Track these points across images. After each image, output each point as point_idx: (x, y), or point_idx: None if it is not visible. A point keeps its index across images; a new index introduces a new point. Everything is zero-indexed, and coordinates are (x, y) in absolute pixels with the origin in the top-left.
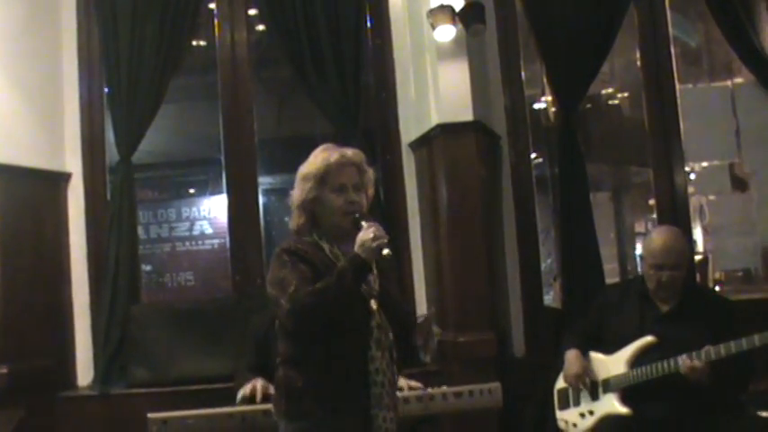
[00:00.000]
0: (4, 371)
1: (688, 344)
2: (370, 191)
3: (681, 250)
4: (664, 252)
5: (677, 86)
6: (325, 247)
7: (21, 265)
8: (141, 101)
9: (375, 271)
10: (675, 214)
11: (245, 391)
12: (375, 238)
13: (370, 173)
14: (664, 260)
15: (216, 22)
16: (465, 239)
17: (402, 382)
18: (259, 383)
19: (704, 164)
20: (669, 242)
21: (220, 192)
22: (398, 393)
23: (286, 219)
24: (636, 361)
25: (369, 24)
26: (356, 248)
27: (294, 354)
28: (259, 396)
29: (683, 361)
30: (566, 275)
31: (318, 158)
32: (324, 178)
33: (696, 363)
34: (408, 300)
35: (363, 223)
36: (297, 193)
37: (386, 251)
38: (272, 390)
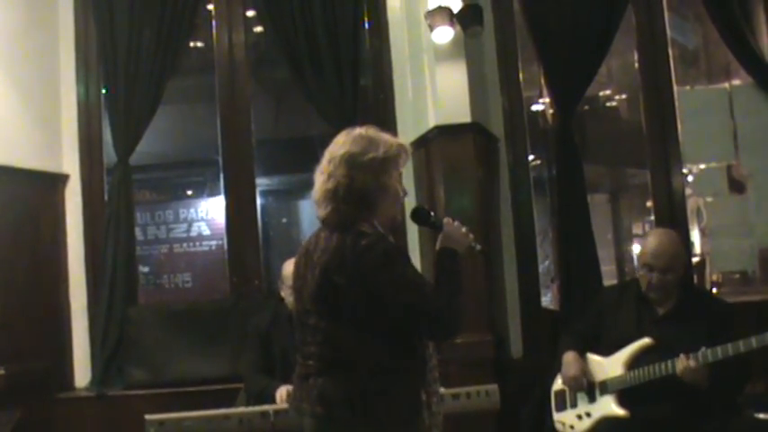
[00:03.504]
0: (2, 372)
1: (685, 346)
2: None
3: (673, 254)
4: (654, 254)
5: (675, 88)
6: (391, 239)
7: (18, 266)
8: (139, 102)
9: None
10: (673, 216)
11: (281, 397)
12: (467, 234)
13: None
14: (654, 262)
15: (213, 23)
16: None
17: None
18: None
19: (702, 166)
20: (661, 245)
21: (218, 193)
22: None
23: (284, 220)
24: (633, 363)
25: (367, 26)
26: (449, 243)
27: (389, 363)
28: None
29: (680, 360)
30: (563, 277)
31: (390, 142)
32: (393, 164)
33: (691, 363)
34: None
35: (446, 218)
36: (363, 179)
37: (479, 247)
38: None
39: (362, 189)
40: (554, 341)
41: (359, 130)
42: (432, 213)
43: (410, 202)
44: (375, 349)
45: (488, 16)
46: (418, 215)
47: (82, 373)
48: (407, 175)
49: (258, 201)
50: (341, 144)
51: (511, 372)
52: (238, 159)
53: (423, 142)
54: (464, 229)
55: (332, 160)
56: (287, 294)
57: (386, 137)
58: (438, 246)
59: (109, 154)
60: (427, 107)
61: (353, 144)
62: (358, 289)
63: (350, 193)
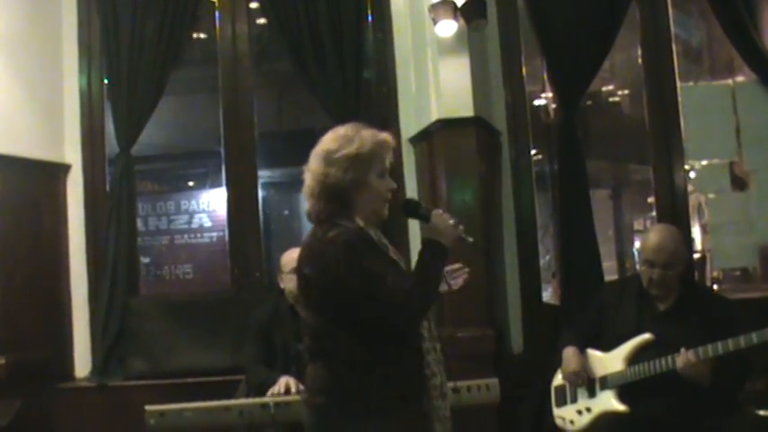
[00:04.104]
0: (2, 361)
1: (686, 342)
2: None
3: (673, 250)
4: (655, 250)
5: (678, 84)
6: (373, 235)
7: (19, 256)
8: (141, 93)
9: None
10: (675, 212)
11: (279, 389)
12: (456, 225)
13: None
14: (654, 258)
15: (217, 14)
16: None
17: None
18: (291, 380)
19: (704, 162)
20: (662, 241)
21: (220, 185)
22: None
23: (286, 212)
24: (633, 358)
25: (370, 18)
26: (432, 235)
27: (364, 354)
28: (294, 390)
29: (680, 356)
30: (564, 272)
31: (366, 138)
32: (371, 160)
33: (692, 358)
34: None
35: (435, 210)
36: (336, 175)
37: (470, 239)
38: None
39: (336, 185)
40: (554, 336)
41: (343, 128)
42: (421, 205)
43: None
44: (349, 340)
45: (492, 10)
46: (407, 207)
47: (82, 364)
48: (409, 169)
49: (260, 193)
50: (323, 142)
51: (511, 366)
52: (241, 151)
53: (425, 136)
54: (452, 222)
55: (314, 157)
56: (287, 281)
57: (365, 133)
58: (423, 236)
59: (111, 144)
60: (430, 101)
61: (331, 141)
62: (324, 280)
63: (324, 189)
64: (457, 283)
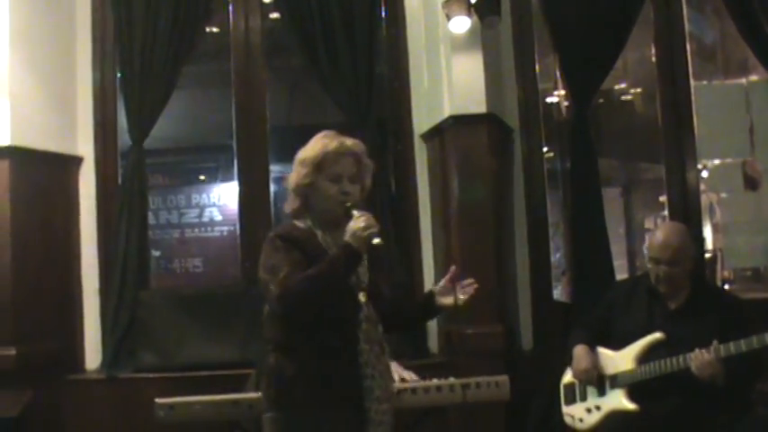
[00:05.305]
0: (13, 352)
1: (696, 341)
2: (367, 182)
3: (679, 247)
4: (660, 247)
5: (691, 83)
6: (318, 234)
7: (31, 247)
8: (154, 86)
9: (366, 262)
10: (686, 211)
11: None
12: (366, 228)
13: (369, 164)
14: (660, 255)
15: (230, 8)
16: (475, 232)
17: (396, 372)
18: None
19: (717, 161)
20: (668, 238)
21: (231, 179)
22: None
23: None
24: (643, 357)
25: (383, 14)
26: (347, 237)
27: (285, 341)
28: None
29: (695, 356)
30: (575, 270)
31: (317, 145)
32: (320, 165)
33: (707, 356)
34: (417, 290)
35: (355, 212)
36: (293, 177)
37: (376, 240)
38: None
39: (294, 186)
40: (565, 334)
41: (318, 135)
42: (351, 209)
43: (424, 196)
44: (277, 330)
45: (505, 7)
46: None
47: (92, 356)
48: (421, 165)
49: (271, 187)
50: None
51: (521, 363)
52: (252, 145)
53: (437, 132)
54: (362, 224)
55: None
56: None
57: (322, 141)
58: None
59: (123, 137)
60: (443, 97)
61: (303, 148)
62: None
63: (290, 189)
64: (463, 298)
